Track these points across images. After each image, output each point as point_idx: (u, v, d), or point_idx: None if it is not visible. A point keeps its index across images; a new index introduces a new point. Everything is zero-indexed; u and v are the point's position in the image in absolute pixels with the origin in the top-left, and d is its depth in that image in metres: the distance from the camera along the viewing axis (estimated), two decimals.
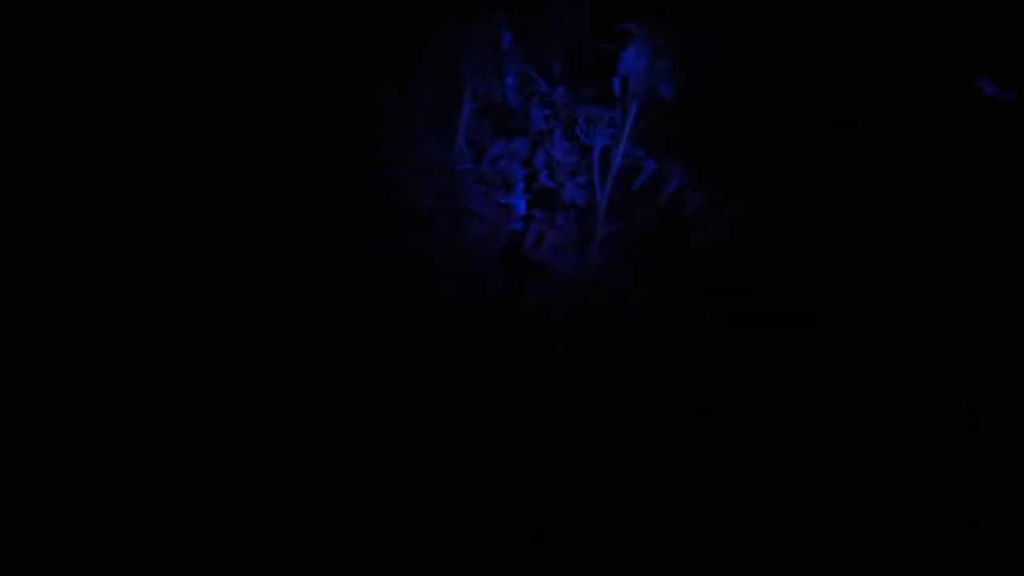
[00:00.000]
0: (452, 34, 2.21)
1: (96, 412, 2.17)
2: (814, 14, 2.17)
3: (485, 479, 2.13)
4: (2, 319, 2.21)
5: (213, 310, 2.26)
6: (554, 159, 2.22)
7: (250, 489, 2.10)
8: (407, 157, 2.18)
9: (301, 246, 2.30)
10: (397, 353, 2.19)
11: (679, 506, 2.08)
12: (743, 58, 2.18)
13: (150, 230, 2.30)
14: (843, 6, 2.16)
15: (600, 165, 2.20)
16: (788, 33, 2.17)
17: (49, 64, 2.32)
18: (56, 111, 2.31)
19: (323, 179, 2.30)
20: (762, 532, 2.07)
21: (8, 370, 2.17)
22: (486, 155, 2.25)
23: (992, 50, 2.12)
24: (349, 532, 2.09)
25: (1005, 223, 2.19)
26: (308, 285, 2.29)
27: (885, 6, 2.16)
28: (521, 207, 2.24)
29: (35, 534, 2.03)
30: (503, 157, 2.23)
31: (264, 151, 2.35)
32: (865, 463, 2.13)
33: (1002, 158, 2.21)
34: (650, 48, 2.05)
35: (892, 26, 2.19)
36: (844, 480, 2.12)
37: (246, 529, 2.07)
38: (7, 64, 2.30)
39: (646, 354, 2.13)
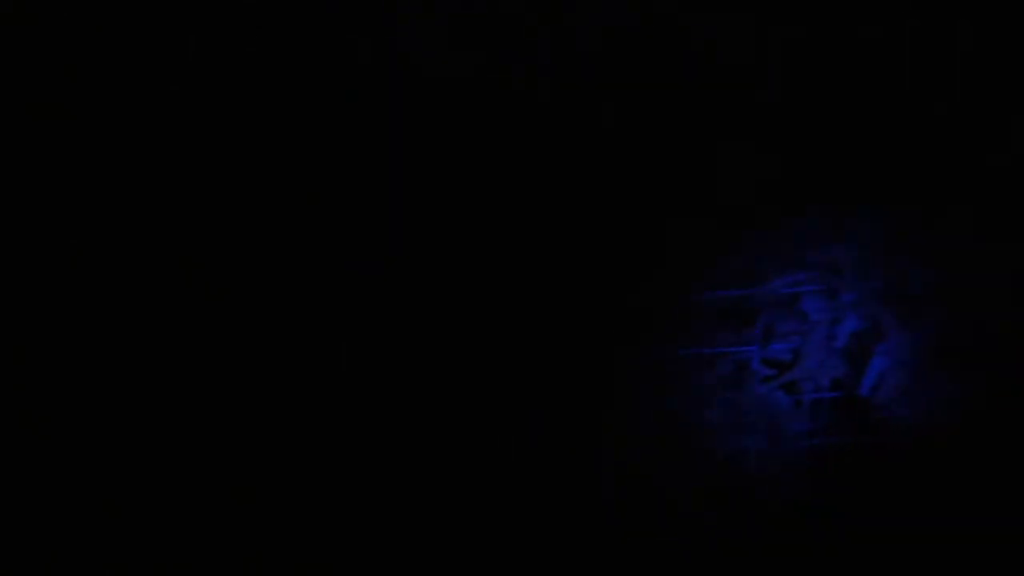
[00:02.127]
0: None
1: (97, 412, 2.17)
2: None
3: None
4: (2, 319, 2.21)
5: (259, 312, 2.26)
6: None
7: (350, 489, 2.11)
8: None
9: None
10: None
11: None
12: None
13: (168, 230, 2.30)
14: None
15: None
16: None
17: (49, 64, 2.32)
18: (56, 111, 2.31)
19: None
20: None
21: (8, 370, 2.17)
22: None
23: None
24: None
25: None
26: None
27: None
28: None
29: (35, 534, 2.03)
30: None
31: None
32: None
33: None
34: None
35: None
36: None
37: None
38: (7, 64, 2.30)
39: None
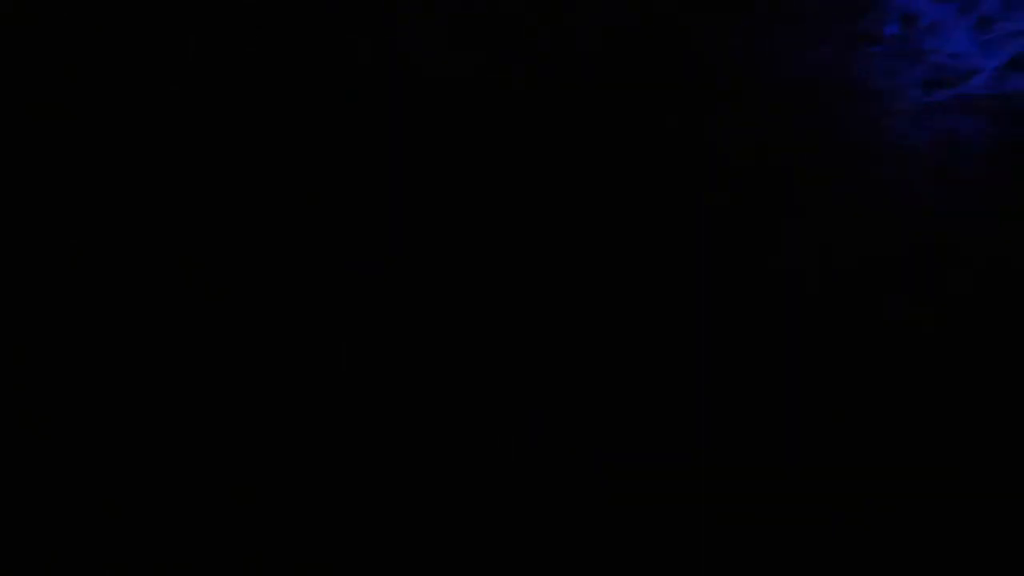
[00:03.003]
0: None
1: (97, 412, 2.17)
2: None
3: None
4: (2, 319, 2.21)
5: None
6: None
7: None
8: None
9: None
10: None
11: None
12: None
13: (171, 229, 2.30)
14: None
15: None
16: None
17: (49, 64, 2.32)
18: (56, 111, 2.31)
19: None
20: None
21: (8, 370, 2.17)
22: None
23: None
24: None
25: None
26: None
27: None
28: None
29: (35, 534, 2.03)
30: None
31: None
32: None
33: None
34: None
35: None
36: None
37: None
38: (7, 64, 2.30)
39: None
